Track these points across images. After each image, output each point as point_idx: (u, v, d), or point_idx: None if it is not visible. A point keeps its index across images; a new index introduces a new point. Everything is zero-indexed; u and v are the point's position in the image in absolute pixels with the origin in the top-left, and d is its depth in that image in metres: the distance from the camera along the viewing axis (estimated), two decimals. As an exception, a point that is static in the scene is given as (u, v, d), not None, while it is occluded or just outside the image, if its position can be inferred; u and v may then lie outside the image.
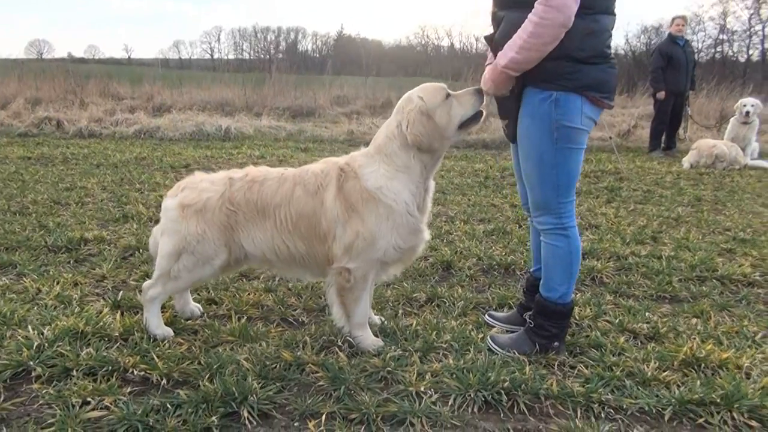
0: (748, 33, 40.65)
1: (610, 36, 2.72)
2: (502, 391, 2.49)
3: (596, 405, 2.46)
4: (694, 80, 10.81)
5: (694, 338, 3.06)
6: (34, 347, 2.75)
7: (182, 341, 2.96)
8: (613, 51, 2.73)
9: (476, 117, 2.88)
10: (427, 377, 2.62)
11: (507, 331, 3.15)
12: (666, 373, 2.70)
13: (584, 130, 2.72)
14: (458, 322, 3.26)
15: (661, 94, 10.12)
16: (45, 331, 2.90)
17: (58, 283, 3.66)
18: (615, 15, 2.73)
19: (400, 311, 3.42)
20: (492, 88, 2.80)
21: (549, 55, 2.59)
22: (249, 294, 3.60)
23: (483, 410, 2.45)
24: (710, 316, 3.46)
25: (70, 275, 3.82)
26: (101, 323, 3.02)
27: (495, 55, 2.81)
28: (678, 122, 10.68)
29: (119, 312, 3.23)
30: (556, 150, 2.71)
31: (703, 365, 2.80)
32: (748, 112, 10.18)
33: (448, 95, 2.83)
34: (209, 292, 3.59)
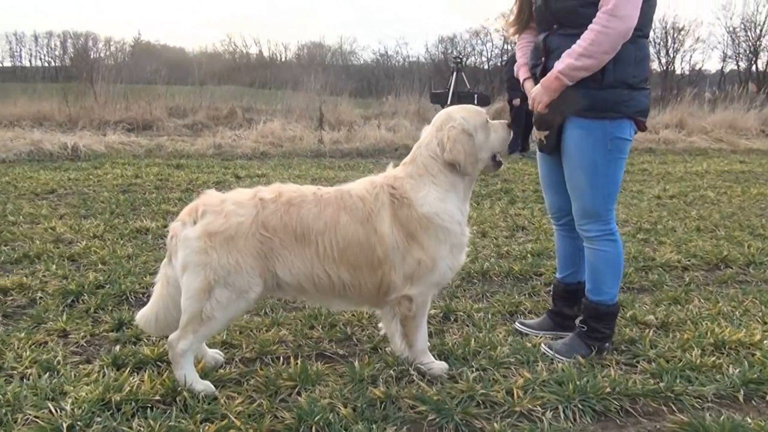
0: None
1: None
2: (608, 397, 2.55)
3: (685, 397, 2.62)
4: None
5: (705, 323, 3.39)
6: (65, 428, 2.21)
7: (234, 394, 2.57)
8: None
9: (504, 155, 2.98)
10: (520, 394, 2.59)
11: (554, 337, 3.22)
12: (713, 358, 2.95)
13: (630, 141, 2.89)
14: (502, 334, 3.26)
15: (517, 101, 11.01)
16: (67, 407, 2.34)
17: (17, 347, 2.96)
18: None
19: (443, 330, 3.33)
20: (542, 95, 2.85)
21: (607, 83, 2.72)
22: (264, 331, 3.25)
23: (595, 420, 2.48)
24: (692, 300, 3.87)
25: (23, 335, 3.12)
26: (128, 388, 2.51)
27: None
28: (531, 126, 11.68)
29: (127, 370, 2.72)
30: (608, 160, 2.84)
31: (727, 347, 3.12)
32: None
33: (486, 120, 2.87)
34: (221, 335, 3.16)
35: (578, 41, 2.69)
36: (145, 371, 2.71)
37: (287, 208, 2.63)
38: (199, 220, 2.59)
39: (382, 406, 2.48)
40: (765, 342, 3.15)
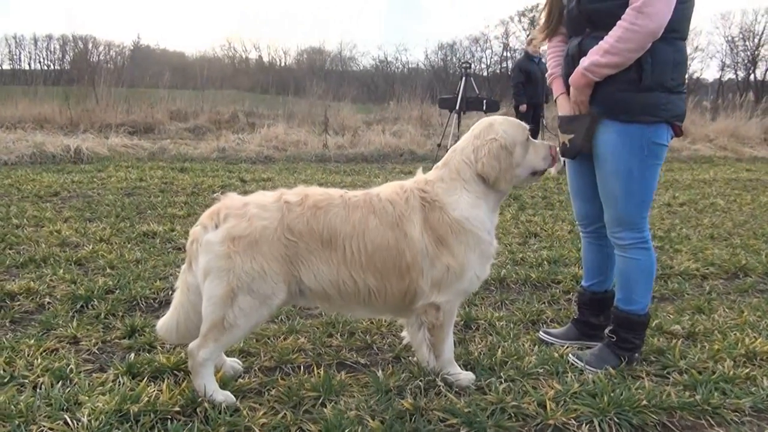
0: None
1: None
2: (645, 410, 2.45)
3: (722, 410, 2.53)
4: (548, 93, 11.88)
5: (734, 333, 3.31)
6: (83, 443, 2.12)
7: (255, 405, 2.47)
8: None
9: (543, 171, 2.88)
10: (552, 406, 2.49)
11: (580, 347, 3.13)
12: (746, 370, 2.86)
13: (667, 146, 2.81)
14: (528, 343, 3.16)
15: (523, 107, 10.95)
16: (83, 419, 2.24)
17: (27, 354, 2.86)
18: None
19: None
20: (573, 96, 2.79)
21: (645, 86, 2.64)
22: (281, 339, 3.15)
23: (632, 434, 2.39)
24: (716, 310, 3.78)
25: (32, 342, 3.01)
26: (145, 399, 2.41)
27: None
28: (537, 132, 11.64)
29: (144, 380, 2.61)
30: (645, 166, 2.75)
31: (759, 358, 3.03)
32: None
33: (528, 137, 2.77)
34: (238, 343, 3.06)
35: (606, 37, 2.61)
36: (163, 381, 2.61)
37: (314, 212, 2.54)
38: (221, 223, 2.49)
39: (412, 419, 2.38)
40: (796, 353, 3.06)
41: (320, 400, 2.52)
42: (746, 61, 40.27)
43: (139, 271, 4.20)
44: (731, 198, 8.28)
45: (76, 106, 15.90)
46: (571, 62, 2.87)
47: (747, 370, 2.86)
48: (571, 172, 3.13)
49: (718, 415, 2.51)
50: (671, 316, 3.66)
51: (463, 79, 8.77)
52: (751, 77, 39.65)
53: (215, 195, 7.53)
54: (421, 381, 2.65)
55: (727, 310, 3.81)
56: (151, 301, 3.72)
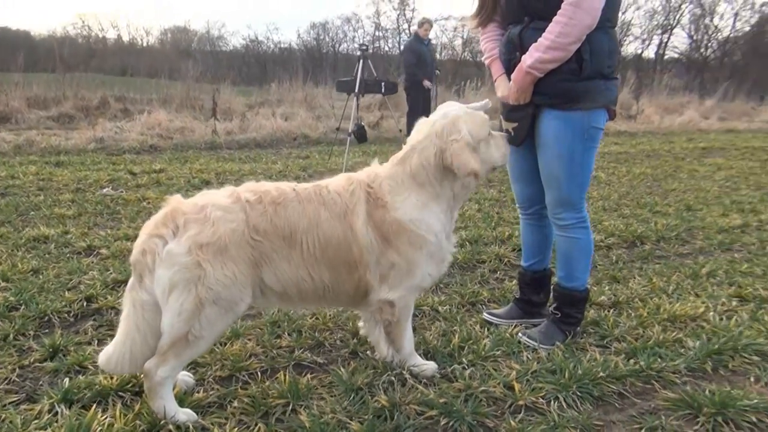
0: (397, 30, 45.39)
1: None
2: (603, 382, 2.60)
3: (664, 374, 2.74)
4: (438, 72, 12.14)
5: (654, 299, 3.59)
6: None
7: (222, 420, 2.32)
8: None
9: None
10: (519, 387, 2.57)
11: (526, 326, 3.24)
12: (673, 333, 3.13)
13: (603, 129, 2.95)
14: (477, 326, 3.23)
15: (428, 83, 11.07)
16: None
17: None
18: None
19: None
20: (516, 93, 2.85)
21: (585, 75, 2.75)
22: (228, 345, 2.97)
23: (596, 405, 2.52)
24: (629, 278, 4.09)
25: (-65, 374, 2.62)
26: (98, 428, 2.18)
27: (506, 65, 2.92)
28: (428, 112, 11.85)
29: (92, 408, 2.36)
30: (585, 149, 2.89)
31: (679, 321, 3.32)
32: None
33: (489, 132, 2.71)
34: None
35: (544, 34, 2.69)
36: (111, 406, 2.37)
37: (275, 208, 2.41)
38: (181, 231, 2.27)
39: (390, 416, 2.35)
40: (709, 314, 3.39)
41: (290, 407, 2.41)
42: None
43: (40, 282, 3.77)
44: (609, 171, 8.97)
45: None
46: (511, 48, 2.92)
47: (674, 334, 3.12)
48: (513, 157, 3.19)
49: (662, 378, 2.72)
50: (594, 288, 3.90)
51: (361, 61, 8.73)
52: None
53: (104, 190, 6.93)
54: (389, 375, 2.63)
55: (638, 277, 4.13)
56: (66, 315, 3.35)
